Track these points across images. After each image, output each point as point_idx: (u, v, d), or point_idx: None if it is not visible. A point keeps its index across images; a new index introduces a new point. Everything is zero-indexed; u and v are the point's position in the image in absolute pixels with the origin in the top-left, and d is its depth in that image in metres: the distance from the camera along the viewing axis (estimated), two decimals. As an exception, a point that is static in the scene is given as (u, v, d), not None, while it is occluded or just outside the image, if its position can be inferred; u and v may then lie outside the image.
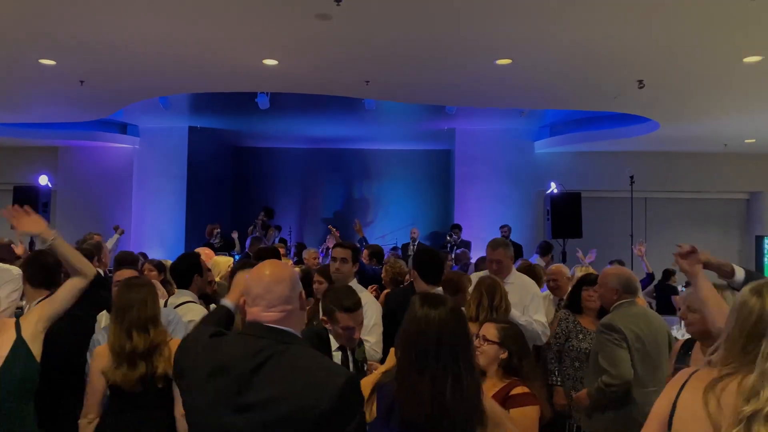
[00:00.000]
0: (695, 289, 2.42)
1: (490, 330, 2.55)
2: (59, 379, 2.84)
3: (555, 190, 10.31)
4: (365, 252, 6.24)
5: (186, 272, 3.61)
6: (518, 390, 2.37)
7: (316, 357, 1.70)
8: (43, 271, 3.02)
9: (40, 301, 2.75)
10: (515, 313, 3.66)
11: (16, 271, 3.37)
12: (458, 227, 10.15)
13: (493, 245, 4.20)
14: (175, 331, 2.94)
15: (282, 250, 6.46)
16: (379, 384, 2.31)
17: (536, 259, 7.71)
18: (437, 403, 1.84)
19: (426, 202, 12.99)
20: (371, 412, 2.05)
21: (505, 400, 2.34)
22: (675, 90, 7.18)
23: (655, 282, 8.47)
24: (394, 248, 9.93)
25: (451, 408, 1.84)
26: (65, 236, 2.70)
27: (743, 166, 11.40)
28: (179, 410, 2.59)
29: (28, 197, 9.61)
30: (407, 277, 4.79)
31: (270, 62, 6.37)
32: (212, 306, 3.77)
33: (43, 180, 10.03)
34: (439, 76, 6.82)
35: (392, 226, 12.42)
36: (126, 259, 4.36)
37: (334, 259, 3.81)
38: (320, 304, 2.91)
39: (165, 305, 3.38)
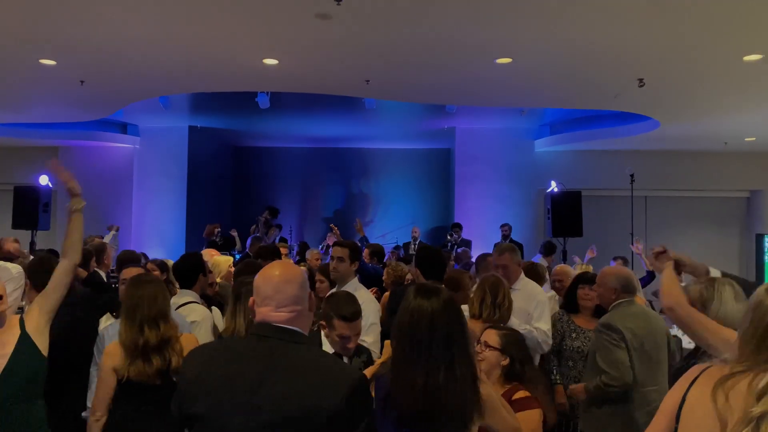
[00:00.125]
0: (661, 281, 2.47)
1: (491, 336, 2.55)
2: (61, 380, 2.85)
3: (555, 189, 10.31)
4: (366, 251, 6.24)
5: (190, 272, 3.63)
6: (520, 394, 2.38)
7: (327, 357, 1.73)
8: (48, 277, 3.04)
9: None
10: (514, 321, 3.63)
11: (15, 270, 3.37)
12: (459, 226, 10.16)
13: (499, 250, 4.17)
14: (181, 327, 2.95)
15: (284, 250, 6.46)
16: (376, 375, 2.32)
17: (539, 260, 7.70)
18: (431, 392, 1.84)
19: (426, 201, 12.99)
20: None
21: (509, 404, 2.33)
22: (675, 89, 7.18)
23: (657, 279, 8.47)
24: (397, 248, 9.93)
25: (444, 397, 1.84)
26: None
27: (743, 165, 11.40)
28: None
29: (29, 197, 9.62)
30: (408, 278, 4.79)
31: (270, 62, 6.37)
32: (213, 307, 3.78)
33: (44, 180, 10.01)
34: (440, 75, 6.82)
35: (392, 225, 12.43)
36: (128, 258, 4.36)
37: (332, 258, 3.82)
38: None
39: None
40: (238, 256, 8.09)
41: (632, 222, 9.83)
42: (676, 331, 4.13)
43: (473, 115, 10.09)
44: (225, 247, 9.06)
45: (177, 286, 3.71)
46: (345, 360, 2.69)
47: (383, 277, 5.15)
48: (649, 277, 7.38)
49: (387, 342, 2.28)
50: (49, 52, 6.19)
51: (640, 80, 6.63)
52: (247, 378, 1.60)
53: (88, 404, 3.00)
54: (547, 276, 5.26)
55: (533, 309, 3.92)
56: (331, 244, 8.50)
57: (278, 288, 1.70)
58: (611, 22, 5.10)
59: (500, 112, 9.76)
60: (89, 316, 3.31)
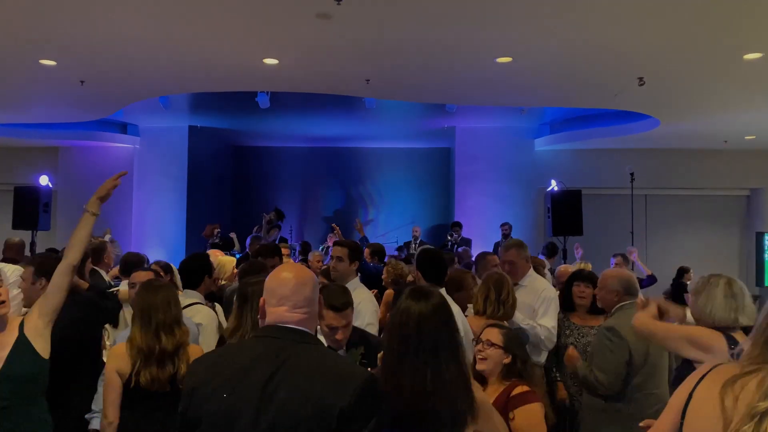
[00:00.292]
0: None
1: (494, 334, 2.54)
2: (63, 380, 2.85)
3: (555, 188, 10.31)
4: (367, 251, 6.24)
5: (197, 272, 3.64)
6: (519, 389, 2.38)
7: (336, 357, 1.77)
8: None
9: None
10: (518, 316, 3.64)
11: (18, 273, 3.37)
12: (458, 225, 10.16)
13: (505, 246, 4.19)
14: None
15: (285, 250, 6.45)
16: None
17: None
18: (417, 394, 1.84)
19: (426, 200, 13.00)
20: None
21: (508, 401, 2.34)
22: (675, 87, 7.18)
23: (666, 280, 8.55)
24: (400, 249, 9.94)
25: (431, 400, 1.84)
26: (66, 237, 2.73)
27: (743, 163, 11.40)
28: None
29: (29, 198, 9.61)
30: (408, 278, 4.79)
31: (270, 61, 6.37)
32: (218, 306, 3.79)
33: (44, 180, 10.00)
34: (440, 74, 6.82)
35: (393, 224, 12.44)
36: (132, 261, 4.36)
37: (332, 257, 3.83)
38: None
39: None
40: (237, 256, 8.09)
41: (632, 221, 9.83)
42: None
43: (473, 115, 10.09)
44: (224, 248, 9.06)
45: (180, 287, 3.72)
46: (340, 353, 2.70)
47: (383, 276, 5.14)
48: (648, 281, 7.38)
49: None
50: (50, 53, 6.19)
51: (640, 79, 6.64)
52: (259, 379, 1.61)
53: (93, 407, 3.00)
54: (548, 274, 5.26)
55: (538, 305, 3.91)
56: (331, 244, 8.52)
57: (295, 289, 1.74)
58: (611, 21, 5.10)
59: (500, 111, 9.76)
60: (92, 317, 3.31)
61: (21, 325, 2.49)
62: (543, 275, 4.95)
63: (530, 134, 11.21)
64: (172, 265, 4.33)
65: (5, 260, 5.08)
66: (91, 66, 6.63)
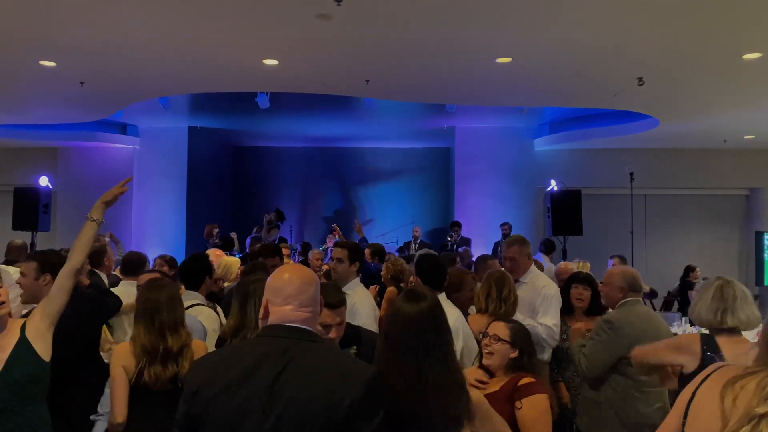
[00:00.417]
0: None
1: (501, 329, 2.53)
2: (63, 381, 2.85)
3: (555, 188, 10.32)
4: (367, 251, 6.25)
5: (197, 273, 3.63)
6: (525, 380, 2.38)
7: (340, 354, 1.78)
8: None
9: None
10: (518, 316, 3.63)
11: (17, 275, 3.37)
12: (458, 225, 10.17)
13: (507, 242, 4.18)
14: (192, 328, 2.96)
15: (286, 251, 6.46)
16: None
17: (540, 257, 7.70)
18: (402, 394, 1.84)
19: (426, 200, 13.00)
20: None
21: (513, 392, 2.35)
22: (675, 87, 7.19)
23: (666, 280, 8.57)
24: (401, 249, 9.94)
25: (419, 401, 1.84)
26: (66, 238, 2.73)
27: (743, 162, 11.41)
28: None
29: (29, 199, 9.61)
30: (410, 280, 4.78)
31: (270, 62, 6.37)
32: (219, 308, 3.79)
33: (44, 181, 10.01)
34: (440, 74, 6.83)
35: (392, 224, 12.44)
36: (134, 260, 4.34)
37: (332, 258, 3.82)
38: None
39: None
40: (238, 256, 8.09)
41: (632, 220, 9.84)
42: (676, 328, 4.15)
43: (473, 114, 10.10)
44: (224, 248, 9.06)
45: (182, 286, 3.72)
46: None
47: (382, 272, 5.13)
48: (648, 297, 7.39)
49: None
50: (49, 54, 6.19)
51: (640, 79, 6.65)
52: (266, 378, 1.63)
53: (99, 410, 2.99)
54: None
55: (539, 303, 3.90)
56: (330, 245, 8.52)
57: (301, 288, 1.77)
58: (611, 21, 5.11)
59: (500, 111, 9.77)
60: (95, 314, 3.31)
61: (23, 328, 2.50)
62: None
63: (530, 134, 11.21)
64: (175, 259, 4.34)
65: (7, 262, 5.08)
66: (91, 67, 6.64)
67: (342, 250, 3.72)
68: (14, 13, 5.08)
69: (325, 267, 5.92)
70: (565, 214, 9.90)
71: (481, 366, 2.55)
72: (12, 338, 2.46)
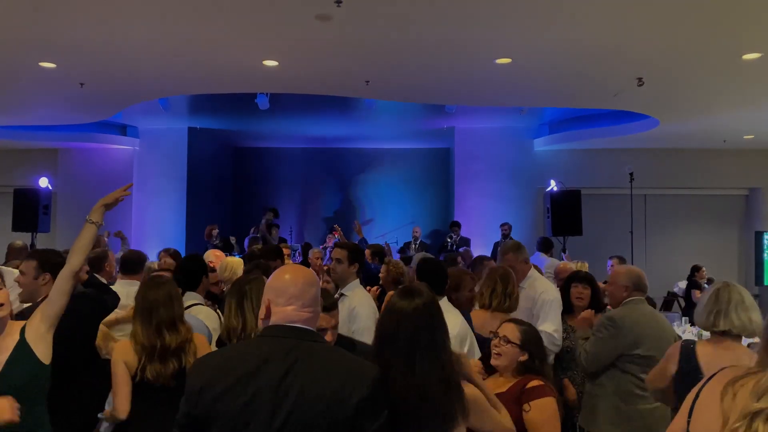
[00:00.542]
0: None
1: (512, 331, 2.51)
2: (63, 381, 2.85)
3: (555, 188, 10.32)
4: (367, 251, 6.23)
5: (196, 273, 3.64)
6: (534, 383, 2.37)
7: (343, 353, 1.79)
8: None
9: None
10: None
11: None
12: (457, 225, 10.17)
13: (502, 251, 4.18)
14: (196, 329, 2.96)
15: (287, 251, 6.45)
16: None
17: (539, 256, 7.70)
18: (396, 389, 1.84)
19: (426, 201, 13.00)
20: None
21: (521, 394, 2.34)
22: (674, 87, 7.19)
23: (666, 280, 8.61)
24: (402, 250, 9.94)
25: (409, 397, 1.84)
26: (66, 239, 2.72)
27: (742, 162, 11.41)
28: None
29: (29, 200, 9.62)
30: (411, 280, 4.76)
31: (270, 63, 6.37)
32: (218, 308, 3.79)
33: (44, 182, 10.02)
34: (440, 75, 6.83)
35: (392, 224, 12.44)
36: (132, 259, 4.33)
37: (332, 259, 3.82)
38: None
39: None
40: (238, 257, 8.09)
41: (632, 220, 9.84)
42: (677, 328, 4.16)
43: (472, 115, 10.10)
44: (223, 250, 9.05)
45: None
46: None
47: (380, 275, 5.11)
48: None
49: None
50: (49, 55, 6.19)
51: (639, 79, 6.65)
52: (272, 377, 1.64)
53: (107, 407, 2.99)
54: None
55: (537, 309, 3.87)
56: (331, 244, 8.50)
57: (304, 289, 1.79)
58: (610, 21, 5.12)
59: (499, 111, 9.77)
60: (94, 312, 3.30)
61: (23, 330, 2.49)
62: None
63: (529, 134, 11.22)
64: (179, 252, 4.33)
65: (7, 264, 5.08)
66: (91, 68, 6.64)
67: (341, 250, 3.71)
68: (14, 15, 5.08)
69: (325, 268, 5.89)
70: (565, 215, 9.91)
71: (488, 367, 2.54)
72: (11, 340, 2.46)
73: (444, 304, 3.17)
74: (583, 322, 3.57)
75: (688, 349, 2.64)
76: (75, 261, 2.58)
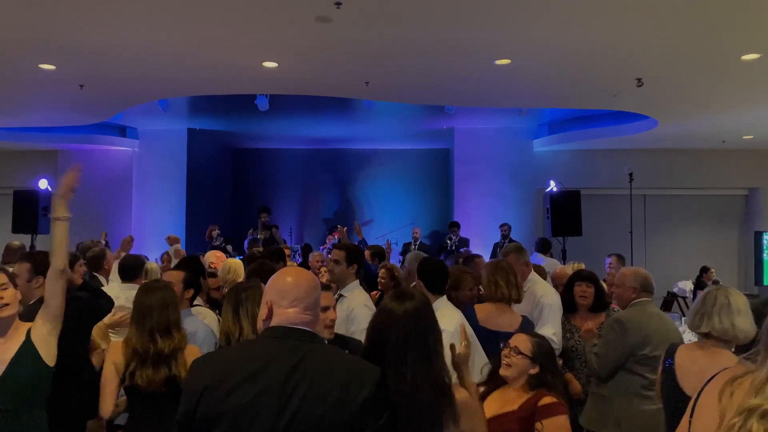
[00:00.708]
0: None
1: (523, 342, 2.45)
2: (59, 384, 2.85)
3: (554, 188, 10.33)
4: (367, 252, 6.23)
5: (194, 277, 3.62)
6: (547, 400, 2.31)
7: (345, 354, 1.81)
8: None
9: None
10: None
11: None
12: (457, 225, 10.18)
13: (504, 252, 4.18)
14: (204, 341, 2.95)
15: (287, 252, 6.45)
16: None
17: (537, 257, 7.69)
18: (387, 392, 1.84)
19: (425, 202, 13.00)
20: None
21: (535, 410, 2.29)
22: (674, 88, 7.20)
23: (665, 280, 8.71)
24: (403, 252, 9.93)
25: (398, 399, 1.83)
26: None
27: (741, 162, 11.42)
28: None
29: (28, 201, 9.61)
30: (413, 281, 4.75)
31: (270, 65, 6.38)
32: (217, 312, 3.78)
33: (43, 184, 10.01)
34: (439, 77, 6.84)
35: (392, 225, 12.43)
36: (131, 264, 4.33)
37: (331, 260, 3.81)
38: None
39: None
40: (238, 258, 8.09)
41: (631, 221, 9.85)
42: (689, 335, 4.14)
43: (472, 116, 10.11)
44: (223, 251, 9.06)
45: None
46: None
47: (379, 278, 5.10)
48: None
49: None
50: (49, 57, 6.19)
51: (639, 80, 6.66)
52: (277, 377, 1.65)
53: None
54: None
55: (537, 313, 3.86)
56: (329, 246, 8.52)
57: (308, 292, 1.80)
58: (609, 22, 5.12)
59: (499, 112, 9.78)
60: (86, 320, 3.29)
61: (29, 331, 2.50)
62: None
63: (529, 135, 11.22)
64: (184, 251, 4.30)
65: (5, 264, 5.08)
66: (91, 70, 6.64)
67: (340, 251, 3.70)
68: (14, 17, 5.08)
69: (324, 269, 5.88)
70: (565, 215, 9.91)
71: (495, 375, 2.49)
72: (17, 341, 2.47)
73: (443, 302, 3.18)
74: (588, 333, 3.56)
75: (671, 350, 2.68)
76: (57, 260, 2.56)
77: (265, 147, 13.32)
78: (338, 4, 4.60)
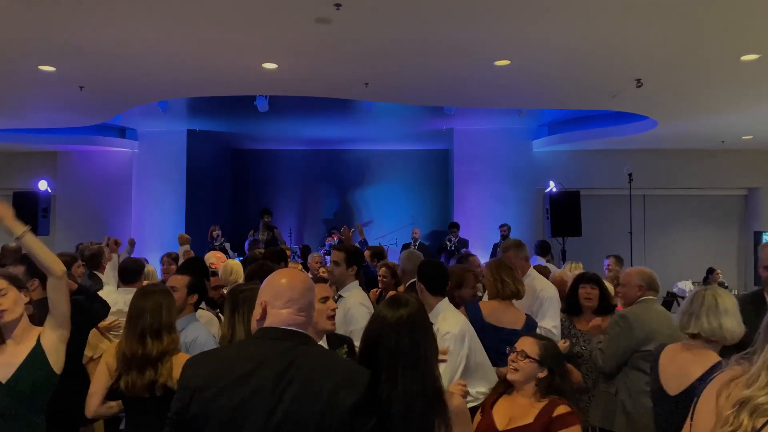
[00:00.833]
0: None
1: (530, 345, 2.39)
2: (57, 389, 2.85)
3: (554, 189, 10.34)
4: (367, 253, 6.23)
5: (200, 280, 3.62)
6: (561, 410, 2.26)
7: (337, 356, 1.83)
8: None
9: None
10: None
11: None
12: (456, 226, 10.19)
13: (503, 248, 4.23)
14: (204, 347, 2.94)
15: (287, 252, 6.46)
16: None
17: (537, 260, 7.70)
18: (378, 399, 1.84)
19: (425, 202, 13.02)
20: None
21: (550, 423, 2.24)
22: (673, 88, 7.20)
23: (665, 280, 8.73)
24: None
25: (390, 406, 1.83)
26: (65, 242, 2.69)
27: (741, 163, 11.44)
28: None
29: (28, 203, 9.63)
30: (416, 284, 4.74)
31: (269, 66, 6.38)
32: (219, 312, 3.78)
33: (43, 185, 10.03)
34: (439, 78, 6.84)
35: (392, 226, 12.45)
36: (131, 268, 4.32)
37: (331, 261, 3.81)
38: None
39: None
40: (238, 259, 8.10)
41: (631, 221, 9.86)
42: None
43: (471, 116, 10.12)
44: (223, 251, 9.07)
45: None
46: None
47: (380, 276, 5.10)
48: None
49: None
50: (49, 59, 6.19)
51: (638, 80, 6.66)
52: (269, 377, 1.67)
53: None
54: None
55: (537, 306, 3.90)
56: (327, 247, 8.54)
57: (302, 293, 1.82)
58: (609, 23, 5.13)
59: (498, 112, 9.79)
60: (81, 324, 3.29)
61: (40, 337, 2.50)
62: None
63: (528, 135, 11.24)
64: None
65: (2, 266, 5.07)
66: (91, 71, 6.64)
67: (339, 253, 3.70)
68: (14, 19, 5.09)
69: (322, 270, 5.88)
70: (564, 215, 9.93)
71: (502, 381, 2.47)
72: (28, 345, 2.47)
73: (445, 304, 3.18)
74: (595, 329, 3.60)
75: (659, 350, 2.71)
76: (53, 268, 2.49)
77: (264, 148, 13.33)
78: (338, 5, 4.61)
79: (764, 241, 11.20)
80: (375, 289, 4.89)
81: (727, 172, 11.53)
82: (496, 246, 9.83)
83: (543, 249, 8.29)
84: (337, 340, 2.86)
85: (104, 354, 2.78)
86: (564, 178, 10.56)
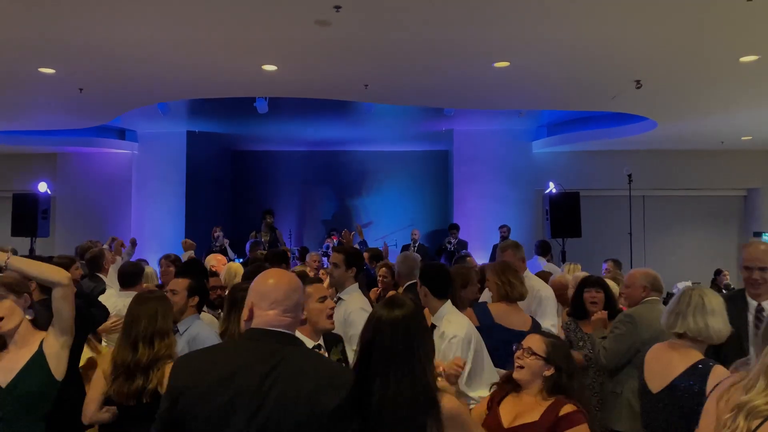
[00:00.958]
0: None
1: (537, 343, 2.35)
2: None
3: (553, 190, 10.34)
4: (366, 255, 6.24)
5: (201, 282, 3.63)
6: (567, 409, 2.22)
7: (322, 357, 1.86)
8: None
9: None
10: None
11: None
12: (456, 227, 10.19)
13: (501, 248, 4.26)
14: (206, 341, 2.94)
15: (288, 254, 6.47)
16: None
17: (538, 260, 7.70)
18: (370, 399, 1.83)
19: (425, 203, 13.01)
20: None
21: (556, 423, 2.20)
22: (672, 89, 7.22)
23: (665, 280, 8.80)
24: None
25: (381, 407, 1.82)
26: (65, 243, 2.69)
27: (740, 163, 11.45)
28: None
29: (28, 204, 9.62)
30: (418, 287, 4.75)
31: (269, 68, 6.39)
32: (220, 312, 3.79)
33: (43, 187, 10.02)
34: (439, 79, 6.85)
35: (391, 227, 12.44)
36: (130, 271, 4.32)
37: (330, 263, 3.82)
38: None
39: None
40: (239, 261, 8.10)
41: (630, 222, 9.87)
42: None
43: (471, 117, 10.12)
44: (222, 253, 9.07)
45: None
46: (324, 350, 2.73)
47: (379, 276, 5.10)
48: None
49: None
50: (48, 61, 6.20)
51: (637, 82, 6.68)
52: (253, 379, 1.67)
53: None
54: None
55: (535, 306, 3.93)
56: (324, 248, 8.55)
57: (287, 295, 1.82)
58: (608, 24, 5.14)
59: (498, 113, 9.79)
60: (79, 329, 3.28)
61: (42, 343, 2.49)
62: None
63: (528, 136, 11.24)
64: (179, 257, 4.32)
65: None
66: (90, 73, 6.65)
67: (338, 254, 3.70)
68: (14, 20, 5.09)
69: (322, 272, 5.87)
70: (564, 216, 9.92)
71: (510, 379, 2.41)
72: (30, 350, 2.47)
73: (448, 307, 3.16)
74: (598, 322, 3.62)
75: (648, 348, 2.74)
76: (55, 279, 2.46)
77: (264, 149, 13.33)
78: (337, 7, 4.62)
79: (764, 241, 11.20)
80: (375, 289, 4.92)
81: (727, 172, 11.53)
82: (495, 247, 9.83)
83: (543, 248, 8.29)
84: (333, 339, 2.87)
85: (100, 362, 2.77)
86: (564, 179, 10.56)
